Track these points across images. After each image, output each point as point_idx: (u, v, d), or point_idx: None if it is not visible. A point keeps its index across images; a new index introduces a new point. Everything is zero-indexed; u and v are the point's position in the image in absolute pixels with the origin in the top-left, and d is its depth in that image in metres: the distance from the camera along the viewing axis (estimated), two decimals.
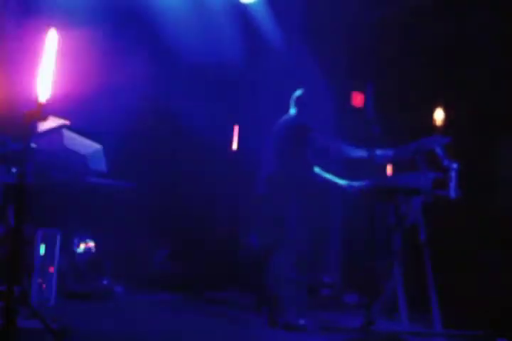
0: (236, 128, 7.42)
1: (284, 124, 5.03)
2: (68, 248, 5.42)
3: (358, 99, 6.69)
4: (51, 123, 4.74)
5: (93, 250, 5.66)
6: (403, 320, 4.72)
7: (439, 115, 4.98)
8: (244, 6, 6.81)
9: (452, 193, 4.47)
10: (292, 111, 5.10)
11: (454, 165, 4.53)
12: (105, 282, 5.66)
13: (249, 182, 6.52)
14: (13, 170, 4.44)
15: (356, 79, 6.26)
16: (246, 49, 6.85)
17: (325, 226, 6.44)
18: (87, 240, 5.63)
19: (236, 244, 6.87)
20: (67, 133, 5.17)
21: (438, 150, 4.62)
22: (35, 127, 3.61)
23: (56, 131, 4.95)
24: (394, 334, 4.32)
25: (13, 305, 3.14)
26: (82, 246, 5.59)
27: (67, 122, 4.98)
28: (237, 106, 7.05)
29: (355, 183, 4.84)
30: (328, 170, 5.06)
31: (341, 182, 4.99)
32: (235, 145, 7.42)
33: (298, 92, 5.11)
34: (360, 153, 4.65)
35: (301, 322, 4.53)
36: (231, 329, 4.69)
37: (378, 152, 4.57)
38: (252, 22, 6.89)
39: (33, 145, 3.62)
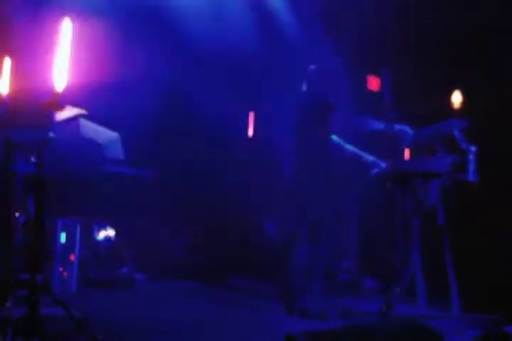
0: (252, 115, 7.40)
1: (297, 102, 4.83)
2: (88, 236, 5.47)
3: (374, 84, 6.60)
4: (68, 112, 4.77)
5: (113, 238, 5.70)
6: (421, 304, 4.72)
7: (456, 98, 4.89)
8: None
9: (471, 177, 4.43)
10: (304, 87, 4.87)
11: (473, 149, 4.48)
12: (126, 270, 5.71)
13: (267, 169, 6.51)
14: (32, 159, 4.47)
15: (372, 63, 6.19)
16: (261, 34, 6.80)
17: (342, 211, 6.40)
18: (107, 228, 5.67)
19: (257, 232, 6.86)
20: (84, 123, 5.20)
21: (456, 133, 4.57)
22: (52, 117, 3.63)
23: (73, 120, 4.98)
24: (412, 318, 4.31)
25: (36, 293, 3.18)
26: (102, 235, 5.63)
27: (84, 111, 5.00)
28: (253, 93, 7.01)
29: (382, 162, 4.72)
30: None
31: (369, 157, 4.83)
32: (251, 132, 7.41)
33: (311, 68, 4.90)
34: (379, 125, 4.56)
35: (320, 308, 4.51)
36: (252, 316, 4.71)
37: (397, 126, 4.51)
38: (266, 6, 6.84)
39: (51, 134, 3.64)
